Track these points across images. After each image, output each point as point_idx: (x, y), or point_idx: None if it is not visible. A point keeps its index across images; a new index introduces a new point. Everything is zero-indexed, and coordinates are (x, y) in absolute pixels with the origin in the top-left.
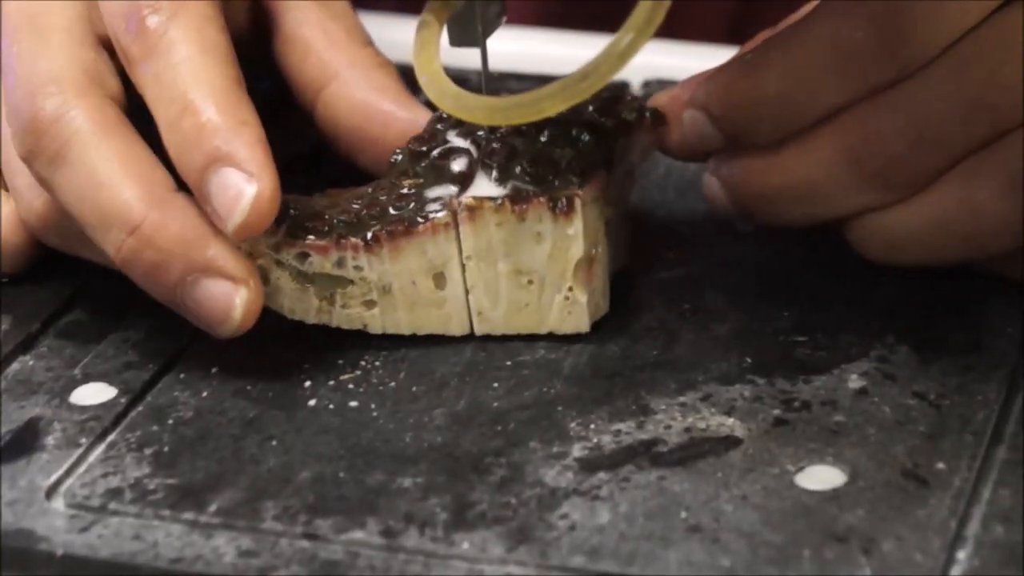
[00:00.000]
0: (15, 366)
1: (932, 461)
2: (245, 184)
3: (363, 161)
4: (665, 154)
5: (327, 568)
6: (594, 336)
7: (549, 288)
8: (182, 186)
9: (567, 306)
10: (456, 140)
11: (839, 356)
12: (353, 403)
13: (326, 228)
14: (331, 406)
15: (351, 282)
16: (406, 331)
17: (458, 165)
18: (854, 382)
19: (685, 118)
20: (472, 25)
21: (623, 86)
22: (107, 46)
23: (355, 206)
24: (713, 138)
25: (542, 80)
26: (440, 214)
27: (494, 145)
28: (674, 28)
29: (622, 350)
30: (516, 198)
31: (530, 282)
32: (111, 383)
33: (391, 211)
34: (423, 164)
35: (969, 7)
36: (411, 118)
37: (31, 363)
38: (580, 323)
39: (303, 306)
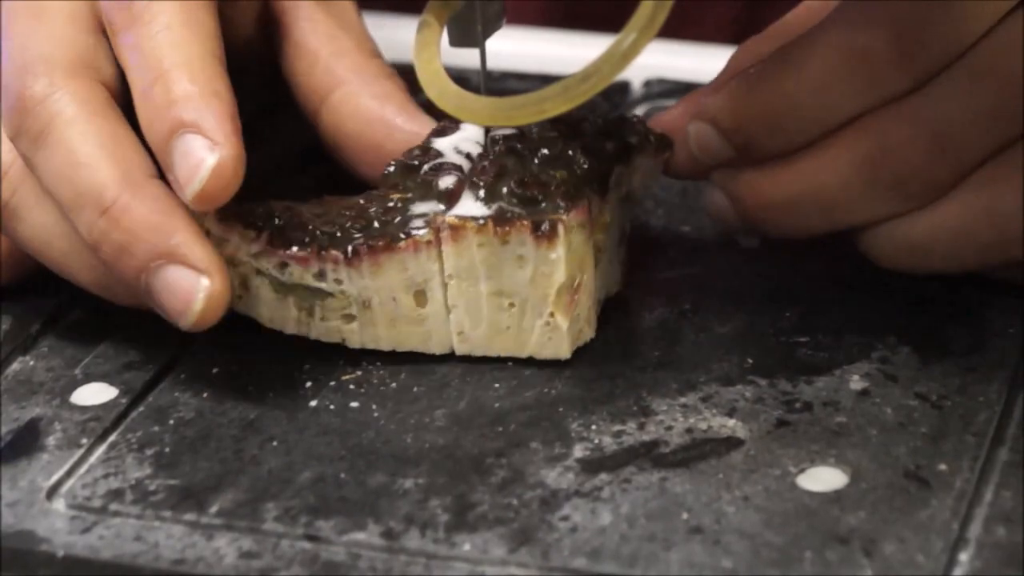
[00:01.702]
0: (15, 366)
1: (934, 462)
2: (207, 152)
3: (365, 170)
4: (668, 176)
5: (328, 569)
6: (595, 337)
7: (530, 312)
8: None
9: (547, 331)
10: (451, 156)
11: (841, 357)
12: (354, 404)
13: (307, 239)
14: (332, 407)
15: (331, 295)
16: (385, 347)
17: (446, 182)
18: (856, 383)
19: (691, 132)
20: (472, 25)
21: (629, 114)
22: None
23: (342, 216)
24: (721, 151)
25: (543, 80)
26: (422, 232)
27: (484, 164)
28: (676, 28)
29: (623, 351)
30: (499, 220)
31: (511, 305)
32: (112, 383)
33: (375, 225)
34: (414, 178)
35: (985, 9)
36: (414, 128)
37: (32, 363)
38: (560, 349)
39: (282, 316)
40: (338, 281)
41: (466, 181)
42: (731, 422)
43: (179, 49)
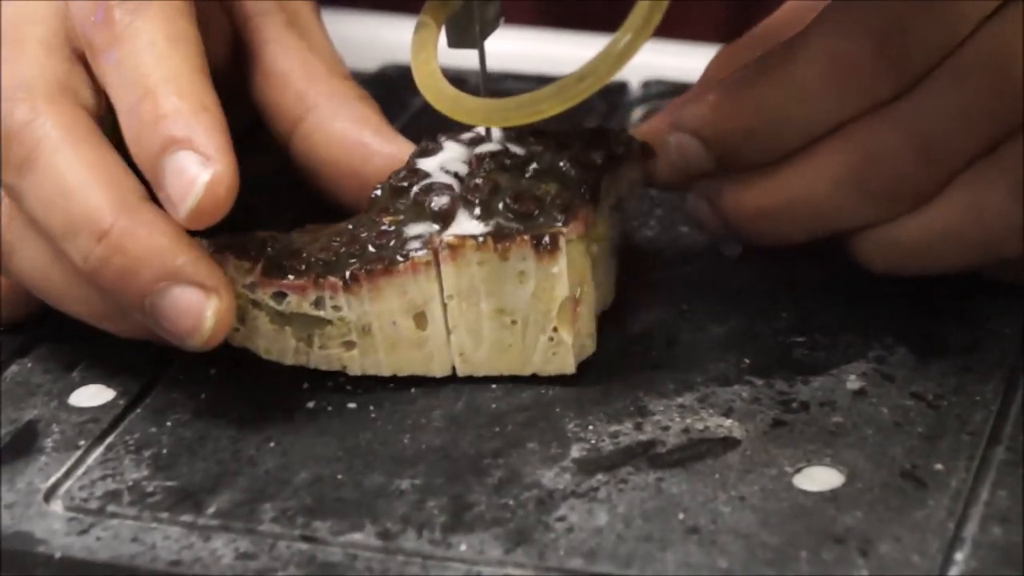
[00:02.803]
0: (14, 368)
1: (930, 462)
2: (200, 168)
3: (341, 195)
4: (651, 187)
5: (325, 570)
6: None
7: (533, 328)
8: (154, 198)
9: (551, 347)
10: (439, 175)
11: (837, 357)
12: (351, 404)
13: (303, 267)
14: (329, 407)
15: (329, 323)
16: (386, 372)
17: (439, 202)
18: (852, 383)
19: (671, 143)
20: (470, 26)
21: (611, 127)
22: (84, 61)
23: (335, 243)
24: (703, 162)
25: (542, 80)
26: (421, 252)
27: (476, 181)
28: (672, 28)
29: (620, 351)
30: (498, 236)
31: (513, 322)
32: (109, 385)
33: (370, 249)
34: (404, 200)
35: (969, 9)
36: (392, 151)
37: (29, 365)
38: (565, 364)
39: (280, 347)
40: (336, 308)
41: (459, 200)
42: (728, 422)
43: (164, 65)
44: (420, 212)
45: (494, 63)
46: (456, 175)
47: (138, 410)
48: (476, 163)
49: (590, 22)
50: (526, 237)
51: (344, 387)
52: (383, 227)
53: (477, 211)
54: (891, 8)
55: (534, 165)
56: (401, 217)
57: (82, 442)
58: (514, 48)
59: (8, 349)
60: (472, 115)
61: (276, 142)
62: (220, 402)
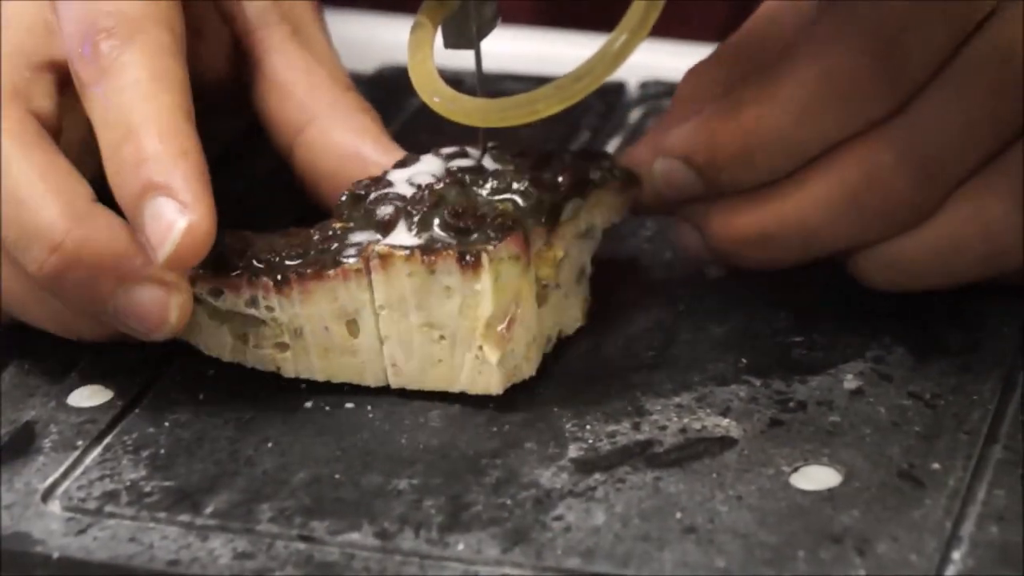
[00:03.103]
0: (12, 368)
1: (927, 461)
2: (178, 215)
3: None
4: (634, 213)
5: (322, 570)
6: (590, 336)
7: (460, 345)
8: (103, 200)
9: (478, 365)
10: (401, 186)
11: (835, 356)
12: (349, 404)
13: (241, 266)
14: (327, 407)
15: (264, 322)
16: (320, 377)
17: (383, 212)
18: (850, 382)
19: (657, 169)
20: (467, 27)
21: (603, 152)
22: (59, 72)
23: (288, 245)
24: (691, 187)
25: (540, 81)
26: (351, 260)
27: (423, 194)
28: (671, 28)
29: (618, 351)
30: (426, 249)
31: (442, 337)
32: (108, 385)
33: (311, 253)
34: (360, 208)
35: (966, 12)
36: (390, 162)
37: (27, 365)
38: (491, 384)
39: (218, 343)
40: (269, 308)
41: (403, 211)
42: (725, 422)
43: (148, 104)
44: (368, 221)
45: (491, 63)
46: (419, 187)
47: (136, 410)
48: (445, 177)
49: (587, 22)
50: (452, 252)
51: (342, 387)
52: (330, 232)
53: (414, 223)
54: (887, 12)
55: (493, 183)
56: (351, 224)
57: (80, 442)
58: (511, 48)
59: (7, 349)
60: (469, 115)
61: (277, 151)
62: (218, 402)
